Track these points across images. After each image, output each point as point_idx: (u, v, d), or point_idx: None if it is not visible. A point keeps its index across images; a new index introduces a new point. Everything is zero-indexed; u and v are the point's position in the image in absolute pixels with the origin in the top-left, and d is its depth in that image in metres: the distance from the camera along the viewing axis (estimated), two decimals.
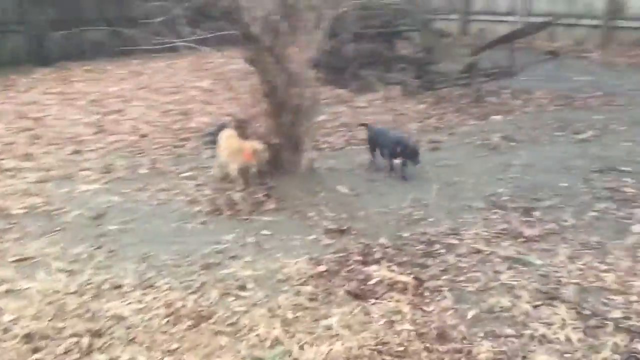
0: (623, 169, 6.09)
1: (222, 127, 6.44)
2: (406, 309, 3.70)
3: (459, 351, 3.30)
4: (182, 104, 9.66)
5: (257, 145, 5.63)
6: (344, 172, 6.34)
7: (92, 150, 7.34)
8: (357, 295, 3.90)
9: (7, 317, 3.68)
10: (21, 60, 13.54)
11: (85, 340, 3.44)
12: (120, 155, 7.12)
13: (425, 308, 3.74)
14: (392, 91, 9.99)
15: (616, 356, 3.20)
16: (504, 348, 3.31)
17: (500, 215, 5.14)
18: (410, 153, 5.86)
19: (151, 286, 4.08)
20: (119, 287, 4.07)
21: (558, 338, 3.38)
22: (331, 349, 3.32)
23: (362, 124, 7.10)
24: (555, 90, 10.00)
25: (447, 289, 3.95)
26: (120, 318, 3.68)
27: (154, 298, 3.91)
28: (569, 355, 3.24)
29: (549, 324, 3.50)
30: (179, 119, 8.73)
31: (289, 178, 5.87)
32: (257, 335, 3.47)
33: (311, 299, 3.87)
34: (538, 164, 6.41)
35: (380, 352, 3.31)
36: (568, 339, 3.36)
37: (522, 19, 15.17)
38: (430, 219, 5.12)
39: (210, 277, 4.19)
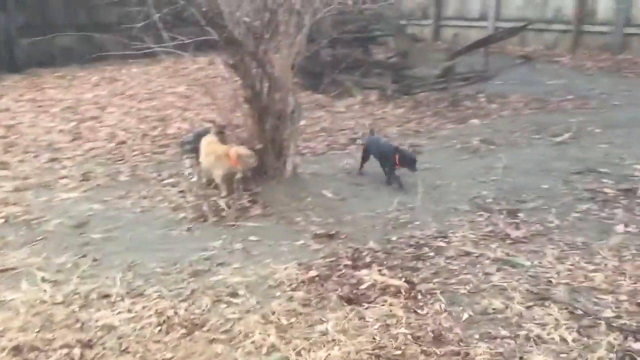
0: (602, 170, 6.19)
1: (199, 135, 6.28)
2: (400, 312, 3.70)
3: (457, 353, 3.30)
4: (159, 110, 9.53)
5: (243, 150, 5.58)
6: (327, 177, 6.33)
7: (69, 158, 7.20)
8: (350, 300, 3.89)
9: None
10: None
11: (76, 352, 3.36)
12: (98, 163, 7.00)
13: (419, 311, 3.74)
14: (369, 96, 10.02)
15: (612, 355, 3.24)
16: (501, 349, 3.32)
17: (485, 217, 5.18)
18: (408, 162, 5.85)
19: (140, 295, 4.00)
20: (107, 296, 3.99)
21: (553, 338, 3.40)
22: (329, 354, 3.29)
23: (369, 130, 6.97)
24: (529, 94, 10.13)
25: (439, 291, 3.96)
26: (110, 328, 3.60)
27: (144, 307, 3.83)
28: (565, 355, 3.27)
29: (543, 325, 3.53)
30: (156, 125, 8.61)
31: (274, 183, 5.84)
32: (253, 342, 3.43)
33: (304, 305, 3.84)
34: (518, 166, 6.48)
35: (378, 356, 3.29)
36: (563, 339, 3.39)
37: (494, 24, 15.36)
38: (417, 222, 5.13)
39: (200, 284, 4.13)
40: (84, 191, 6.08)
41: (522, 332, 3.47)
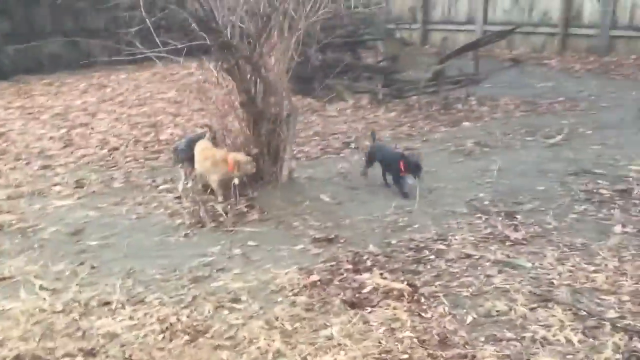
0: (597, 171, 6.22)
1: (191, 140, 6.22)
2: (404, 316, 3.68)
3: (464, 356, 3.29)
4: (150, 116, 9.48)
5: (241, 157, 5.55)
6: (323, 181, 6.30)
7: (61, 165, 7.14)
8: (353, 304, 3.87)
9: None
10: None
11: None
12: (92, 170, 6.94)
13: (423, 314, 3.72)
14: (361, 100, 10.04)
15: (618, 356, 3.24)
16: (507, 352, 3.32)
17: (483, 219, 5.18)
18: (414, 168, 5.81)
19: (141, 302, 3.97)
20: (107, 303, 3.95)
21: (558, 340, 3.40)
22: (335, 359, 3.28)
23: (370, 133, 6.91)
24: (519, 96, 10.17)
25: (442, 294, 3.95)
26: (113, 335, 3.56)
27: (146, 314, 3.80)
28: (571, 356, 3.27)
29: (547, 326, 3.53)
30: (148, 132, 8.56)
31: (270, 188, 5.83)
32: (258, 347, 3.40)
33: (308, 309, 3.81)
34: (513, 168, 6.50)
35: None
36: (569, 341, 3.39)
37: (482, 27, 15.43)
38: (415, 226, 5.12)
39: (201, 290, 4.10)
40: (78, 198, 6.02)
41: (528, 334, 3.47)
